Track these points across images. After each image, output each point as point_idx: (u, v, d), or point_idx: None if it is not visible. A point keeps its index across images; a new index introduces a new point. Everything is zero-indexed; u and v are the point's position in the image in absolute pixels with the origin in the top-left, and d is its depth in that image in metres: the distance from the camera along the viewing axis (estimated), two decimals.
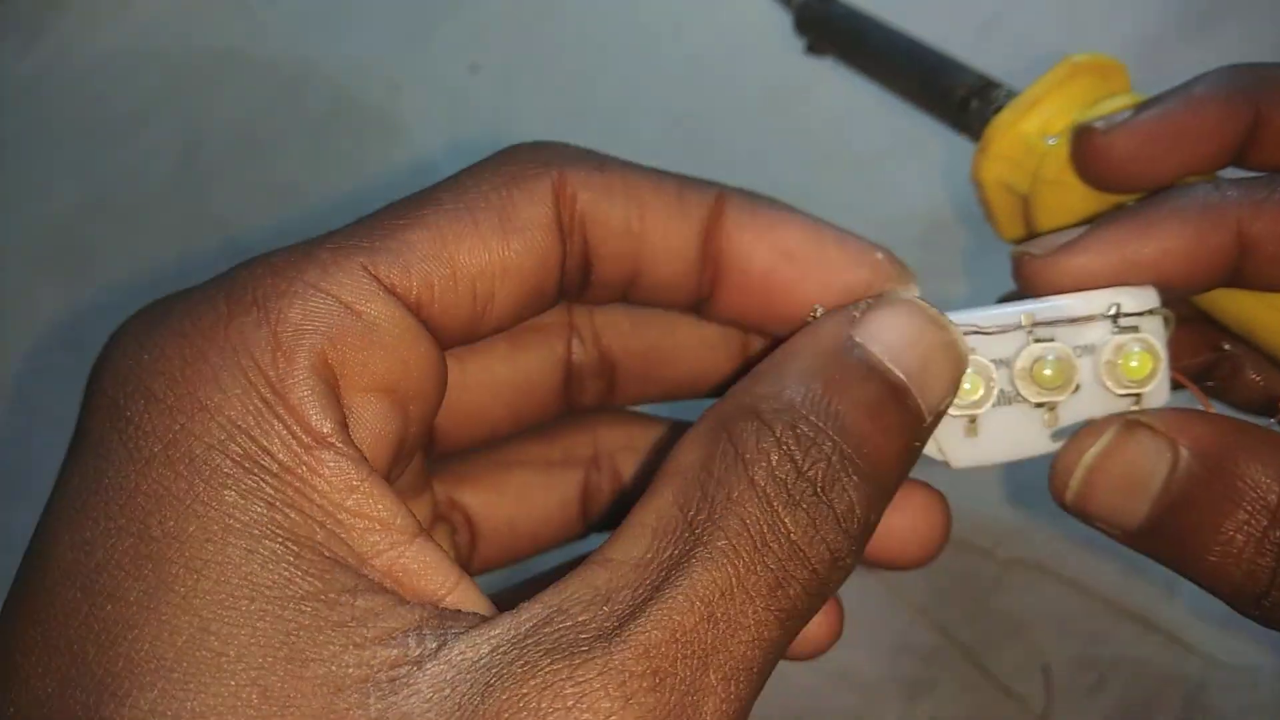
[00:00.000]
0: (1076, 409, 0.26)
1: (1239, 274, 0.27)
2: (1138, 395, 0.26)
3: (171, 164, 0.55)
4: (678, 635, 0.20)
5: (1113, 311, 0.26)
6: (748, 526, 0.21)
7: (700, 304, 0.28)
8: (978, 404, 0.26)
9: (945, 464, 0.27)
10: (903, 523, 0.29)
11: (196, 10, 0.56)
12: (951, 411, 0.26)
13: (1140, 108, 0.28)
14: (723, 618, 0.20)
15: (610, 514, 0.32)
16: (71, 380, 0.25)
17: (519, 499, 0.31)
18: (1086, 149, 0.29)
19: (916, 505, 0.29)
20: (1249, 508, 0.23)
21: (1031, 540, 0.50)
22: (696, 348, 0.30)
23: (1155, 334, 0.26)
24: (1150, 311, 0.26)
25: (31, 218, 0.55)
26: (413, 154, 0.54)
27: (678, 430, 0.28)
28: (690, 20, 0.54)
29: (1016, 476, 0.51)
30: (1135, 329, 0.26)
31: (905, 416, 0.24)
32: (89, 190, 0.55)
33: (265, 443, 0.21)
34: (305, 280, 0.22)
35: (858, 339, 0.24)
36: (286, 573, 0.20)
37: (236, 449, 0.21)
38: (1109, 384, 0.26)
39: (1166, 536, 0.25)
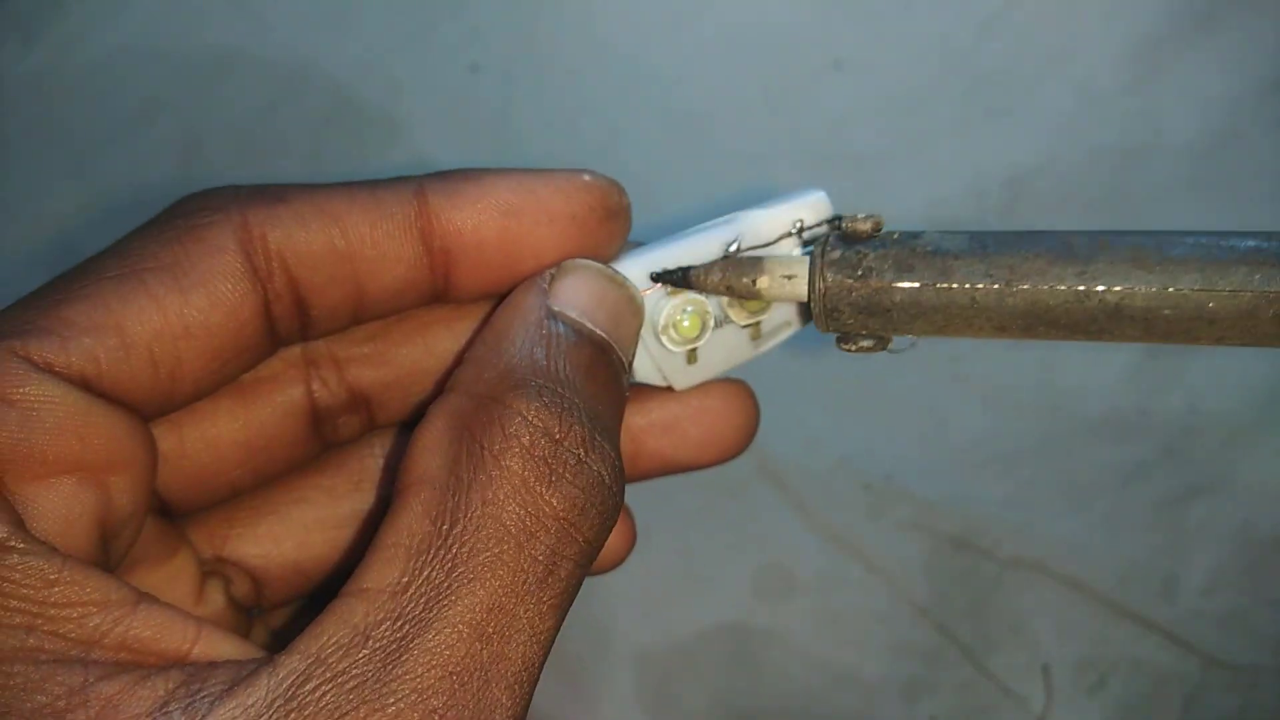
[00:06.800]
0: (774, 318, 0.29)
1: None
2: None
3: (172, 164, 0.55)
4: (451, 669, 0.19)
5: (797, 228, 0.28)
6: (508, 528, 0.20)
7: (444, 294, 0.27)
8: (698, 338, 0.28)
9: (669, 387, 0.29)
10: (711, 417, 0.29)
11: (197, 10, 0.55)
12: (674, 349, 0.28)
13: None
14: (496, 632, 0.20)
15: None
16: None
17: (299, 543, 0.29)
18: None
19: (725, 397, 0.30)
20: None
21: (1031, 540, 0.50)
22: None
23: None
24: (828, 221, 0.28)
25: (31, 218, 0.55)
26: (413, 154, 0.54)
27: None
28: (690, 20, 0.53)
29: (1017, 476, 0.51)
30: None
31: (613, 369, 0.25)
32: (89, 190, 0.55)
33: None
34: None
35: (555, 307, 0.24)
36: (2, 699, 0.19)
37: None
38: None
39: None
